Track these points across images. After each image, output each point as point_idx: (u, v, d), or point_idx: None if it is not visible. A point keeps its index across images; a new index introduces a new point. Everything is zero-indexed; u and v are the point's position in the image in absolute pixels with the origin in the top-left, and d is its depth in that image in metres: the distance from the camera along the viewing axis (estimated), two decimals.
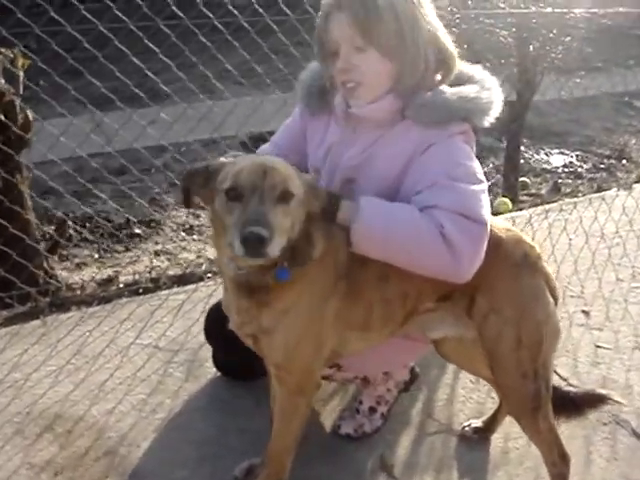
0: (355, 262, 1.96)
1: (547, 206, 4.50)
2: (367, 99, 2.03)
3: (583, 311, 3.34)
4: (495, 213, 4.22)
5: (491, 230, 1.96)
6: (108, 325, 3.09)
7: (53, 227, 3.81)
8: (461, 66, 2.13)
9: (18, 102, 3.34)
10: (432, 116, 1.98)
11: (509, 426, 2.56)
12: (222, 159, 1.90)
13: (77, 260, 4.01)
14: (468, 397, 2.74)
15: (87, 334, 3.02)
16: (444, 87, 2.03)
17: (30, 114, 3.37)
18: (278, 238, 1.68)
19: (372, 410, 2.53)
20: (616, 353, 3.04)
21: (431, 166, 1.96)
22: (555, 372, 2.85)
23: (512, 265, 2.06)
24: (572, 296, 3.46)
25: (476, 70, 2.13)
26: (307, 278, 1.90)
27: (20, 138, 3.30)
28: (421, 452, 2.48)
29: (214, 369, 2.77)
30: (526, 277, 2.07)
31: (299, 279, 1.89)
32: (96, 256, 4.09)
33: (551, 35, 4.49)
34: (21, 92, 3.35)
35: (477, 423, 2.56)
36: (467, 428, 2.55)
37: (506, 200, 4.25)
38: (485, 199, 1.95)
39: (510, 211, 4.34)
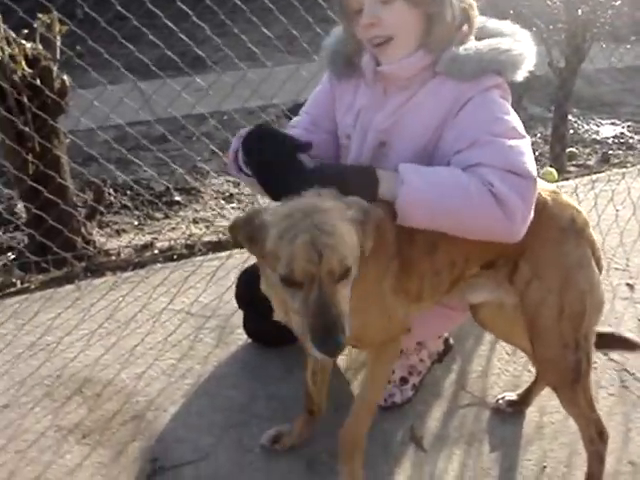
0: (403, 239, 1.89)
1: (594, 176, 4.32)
2: (399, 55, 1.95)
3: (628, 284, 3.20)
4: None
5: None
6: (141, 290, 3.08)
7: (91, 193, 3.81)
8: (490, 22, 2.05)
9: (55, 68, 3.34)
10: (465, 69, 1.90)
11: (545, 400, 2.50)
12: (263, 208, 1.72)
13: (116, 227, 4.03)
14: (504, 369, 2.66)
15: (120, 299, 3.02)
16: (474, 41, 1.95)
17: (67, 80, 3.36)
18: (347, 320, 1.57)
19: (403, 380, 2.48)
20: None
21: (469, 124, 1.88)
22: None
23: (558, 230, 1.98)
24: (617, 268, 3.32)
25: (505, 24, 2.05)
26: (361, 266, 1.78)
27: (56, 103, 3.29)
28: (452, 424, 2.42)
29: (245, 336, 2.75)
30: (572, 244, 1.99)
31: None
32: (135, 223, 4.10)
33: None
34: (57, 57, 3.35)
35: (512, 396, 2.49)
36: (501, 401, 2.48)
37: (552, 170, 4.10)
38: (529, 153, 1.87)
39: (556, 181, 4.19)
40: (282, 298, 1.67)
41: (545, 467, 2.26)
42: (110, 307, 2.97)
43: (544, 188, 2.00)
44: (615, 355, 2.73)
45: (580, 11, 4.28)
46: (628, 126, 5.84)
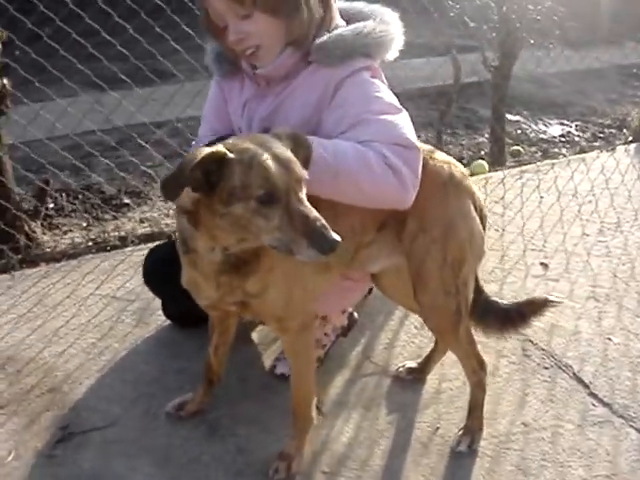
0: None
1: (524, 167, 4.48)
2: (270, 58, 2.09)
3: (542, 263, 3.34)
4: (471, 174, 4.29)
5: None
6: (71, 278, 3.21)
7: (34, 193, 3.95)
8: (366, 7, 2.19)
9: None
10: (331, 55, 2.04)
11: (446, 368, 2.63)
12: (218, 149, 1.69)
13: (65, 228, 4.15)
14: (410, 342, 2.79)
15: (50, 286, 3.15)
16: (342, 27, 2.09)
17: (8, 85, 3.50)
18: None
19: None
20: (569, 302, 3.04)
21: (348, 106, 2.02)
22: None
23: (438, 185, 2.13)
24: (533, 249, 3.46)
25: (376, 7, 2.18)
26: None
27: None
28: (352, 392, 2.54)
29: (164, 317, 2.87)
30: (452, 196, 2.14)
31: None
32: (84, 224, 4.22)
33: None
34: None
35: (412, 364, 2.61)
36: (401, 369, 2.60)
37: (482, 162, 4.25)
38: (409, 125, 2.02)
39: (486, 172, 4.34)
40: (255, 227, 1.69)
41: (438, 428, 2.37)
42: (40, 293, 3.09)
43: (423, 148, 2.14)
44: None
45: (511, 13, 4.45)
46: (576, 125, 6.02)
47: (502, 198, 3.99)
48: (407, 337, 2.81)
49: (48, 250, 3.50)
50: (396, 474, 2.20)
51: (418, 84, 5.71)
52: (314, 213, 1.66)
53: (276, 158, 1.68)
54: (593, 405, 2.48)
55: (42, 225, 3.82)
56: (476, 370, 2.28)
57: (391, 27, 2.11)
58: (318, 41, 2.05)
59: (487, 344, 2.74)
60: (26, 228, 3.68)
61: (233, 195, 1.67)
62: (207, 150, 1.66)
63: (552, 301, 2.35)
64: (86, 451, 2.26)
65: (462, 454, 2.26)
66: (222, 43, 2.15)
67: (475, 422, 2.32)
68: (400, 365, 2.61)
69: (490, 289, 2.84)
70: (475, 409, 2.32)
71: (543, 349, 2.75)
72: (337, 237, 1.64)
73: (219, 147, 1.69)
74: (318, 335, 2.61)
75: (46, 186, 3.85)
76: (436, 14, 4.12)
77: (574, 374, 2.62)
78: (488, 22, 4.46)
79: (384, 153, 1.92)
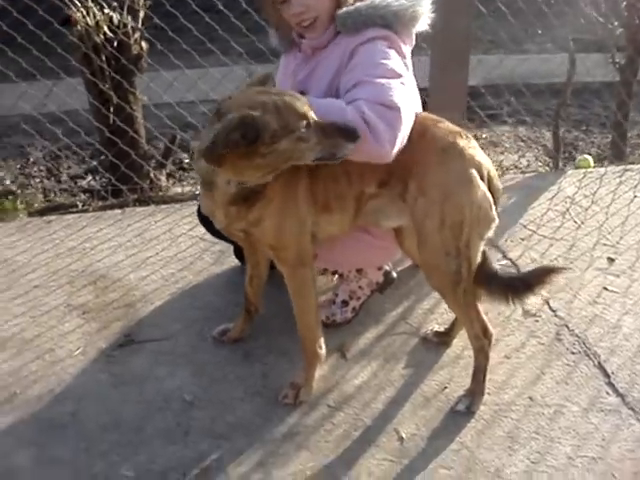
0: None
1: (628, 166, 4.36)
2: (322, 30, 2.38)
3: (609, 258, 3.34)
4: (576, 167, 4.28)
5: (419, 120, 2.29)
6: (172, 219, 3.68)
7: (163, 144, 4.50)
8: None
9: (137, 35, 4.02)
10: (347, 24, 2.31)
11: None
12: (244, 114, 1.95)
13: (192, 181, 4.68)
14: (448, 310, 2.92)
15: (152, 223, 3.65)
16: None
17: (145, 46, 4.03)
18: None
19: (344, 303, 2.85)
20: (621, 297, 3.05)
21: (355, 69, 2.26)
22: (548, 304, 2.98)
23: (438, 151, 2.29)
24: (605, 244, 3.45)
25: None
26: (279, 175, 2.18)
27: (134, 65, 3.97)
28: (379, 345, 2.76)
29: (237, 260, 3.24)
30: (452, 162, 2.29)
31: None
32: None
33: None
34: (140, 26, 4.02)
35: (439, 328, 2.79)
36: (429, 331, 2.79)
37: (588, 157, 4.22)
38: (401, 90, 2.20)
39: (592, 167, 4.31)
40: (300, 151, 2.05)
41: (446, 388, 2.55)
42: (142, 228, 3.60)
43: (429, 117, 2.37)
44: (563, 312, 2.94)
45: None
46: None
47: (594, 193, 3.96)
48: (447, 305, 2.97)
49: (160, 194, 4.00)
50: (390, 418, 2.41)
51: (536, 80, 5.68)
52: (331, 120, 2.05)
53: (285, 97, 2.03)
54: (607, 393, 2.53)
55: (162, 174, 4.34)
56: (479, 336, 2.43)
57: (415, 2, 2.32)
58: (339, 12, 2.32)
59: (522, 323, 2.87)
60: (152, 175, 4.22)
61: (275, 136, 1.99)
62: (236, 116, 1.95)
63: (558, 268, 2.45)
64: (139, 356, 2.69)
65: (460, 414, 2.42)
66: (276, 21, 2.46)
67: (477, 386, 2.47)
68: (429, 328, 2.81)
69: None
70: (477, 373, 2.47)
71: (577, 336, 2.81)
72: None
73: (242, 111, 1.96)
74: (353, 287, 2.86)
75: (171, 144, 4.37)
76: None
77: (599, 362, 2.67)
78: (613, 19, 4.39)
79: (363, 109, 2.12)
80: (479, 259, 2.37)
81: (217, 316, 2.90)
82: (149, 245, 3.44)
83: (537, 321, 2.89)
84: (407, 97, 2.21)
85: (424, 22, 2.37)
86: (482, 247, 2.37)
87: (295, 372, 2.53)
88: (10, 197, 3.78)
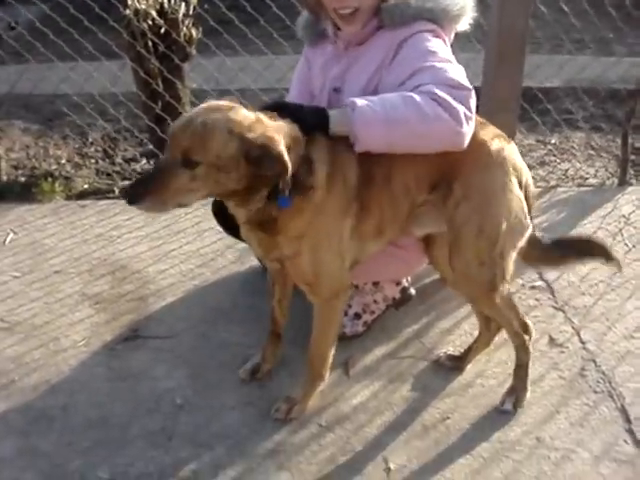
0: (364, 180, 2.14)
1: None
2: (361, 22, 2.26)
3: None
4: None
5: None
6: (201, 212, 3.59)
7: None
8: None
9: (188, 21, 3.98)
10: (395, 17, 2.20)
11: (486, 365, 2.61)
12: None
13: None
14: (468, 333, 2.76)
15: (182, 215, 3.59)
16: None
17: (195, 33, 3.99)
18: None
19: (357, 316, 2.72)
20: None
21: (407, 61, 2.16)
22: (579, 335, 2.77)
23: (486, 156, 2.20)
24: None
25: None
26: (316, 206, 2.07)
27: (181, 49, 3.94)
28: (386, 363, 2.62)
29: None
30: (498, 169, 2.20)
31: (307, 207, 2.06)
32: None
33: None
34: (191, 13, 3.98)
35: (454, 352, 2.63)
36: (442, 354, 2.63)
37: None
38: (463, 74, 2.11)
39: None
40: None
41: (448, 418, 2.38)
42: (170, 220, 3.56)
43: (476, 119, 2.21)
44: (592, 345, 2.71)
45: None
46: None
47: None
48: (468, 328, 2.79)
49: None
50: (382, 446, 2.27)
51: (607, 84, 5.33)
52: None
53: None
54: (624, 441, 2.30)
55: None
56: (519, 333, 2.38)
57: (462, 1, 2.24)
58: (385, 5, 2.21)
59: (546, 353, 2.67)
60: None
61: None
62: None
63: (610, 254, 2.37)
64: (140, 352, 2.66)
65: (457, 449, 2.26)
66: (314, 5, 2.35)
67: (519, 382, 2.42)
68: (443, 351, 2.65)
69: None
70: (519, 369, 2.43)
71: (604, 373, 2.58)
72: None
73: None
74: (367, 300, 2.73)
75: None
76: None
77: (622, 405, 2.44)
78: None
79: (433, 90, 2.01)
80: (512, 268, 2.27)
81: (224, 319, 2.84)
82: (174, 238, 3.41)
83: (563, 352, 2.68)
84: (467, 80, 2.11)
85: (466, 21, 2.29)
86: (514, 256, 2.27)
87: (293, 387, 2.43)
88: (49, 179, 3.81)
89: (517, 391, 2.42)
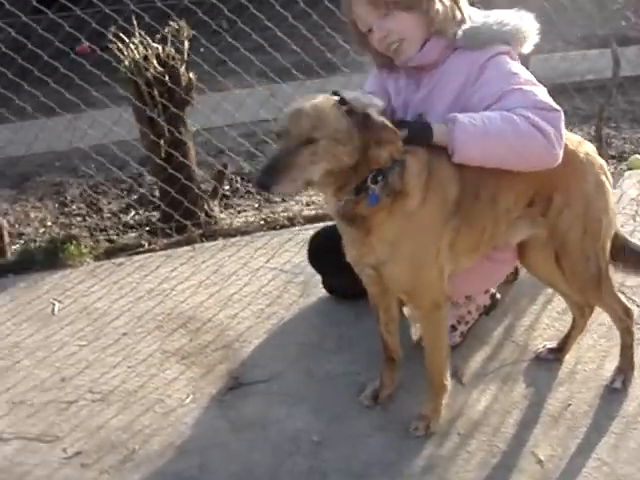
0: (467, 196, 2.26)
1: None
2: (413, 50, 2.35)
3: None
4: (629, 168, 4.28)
5: None
6: (244, 252, 3.63)
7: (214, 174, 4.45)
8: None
9: (183, 67, 3.97)
10: (477, 39, 2.31)
11: (581, 352, 2.76)
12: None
13: (239, 208, 4.62)
14: (551, 325, 2.92)
15: (226, 258, 3.59)
16: (484, 17, 2.35)
17: (193, 77, 3.98)
18: None
19: (452, 328, 2.81)
20: None
21: (492, 84, 2.26)
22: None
23: (578, 162, 2.38)
24: None
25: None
26: (410, 214, 2.18)
27: (183, 97, 3.92)
28: (491, 366, 2.73)
29: (324, 290, 3.20)
30: (590, 172, 2.40)
31: (398, 212, 2.17)
32: (256, 205, 4.65)
33: None
34: (186, 58, 3.97)
35: (551, 344, 2.77)
36: (542, 348, 2.77)
37: (639, 157, 4.22)
38: (547, 95, 2.24)
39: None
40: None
41: (570, 405, 2.52)
42: (217, 264, 3.55)
43: None
44: None
45: None
46: None
47: None
48: (548, 321, 2.95)
49: (225, 227, 3.96)
50: (524, 441, 2.38)
51: (576, 78, 5.69)
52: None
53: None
54: None
55: (219, 204, 4.29)
56: (622, 317, 2.56)
57: (526, 22, 2.36)
58: (465, 27, 2.32)
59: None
60: (205, 207, 4.15)
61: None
62: None
63: None
64: (251, 399, 2.64)
65: (590, 430, 2.41)
66: (369, 50, 2.44)
67: (626, 361, 2.61)
68: (541, 345, 2.78)
69: None
70: (625, 350, 2.61)
71: None
72: None
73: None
74: (462, 312, 2.83)
75: (224, 170, 4.32)
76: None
77: None
78: None
79: (526, 115, 2.15)
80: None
81: (319, 351, 2.87)
82: (229, 281, 3.39)
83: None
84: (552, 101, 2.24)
85: (531, 44, 2.40)
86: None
87: (419, 404, 2.49)
88: (74, 241, 3.70)
89: (625, 370, 2.60)
